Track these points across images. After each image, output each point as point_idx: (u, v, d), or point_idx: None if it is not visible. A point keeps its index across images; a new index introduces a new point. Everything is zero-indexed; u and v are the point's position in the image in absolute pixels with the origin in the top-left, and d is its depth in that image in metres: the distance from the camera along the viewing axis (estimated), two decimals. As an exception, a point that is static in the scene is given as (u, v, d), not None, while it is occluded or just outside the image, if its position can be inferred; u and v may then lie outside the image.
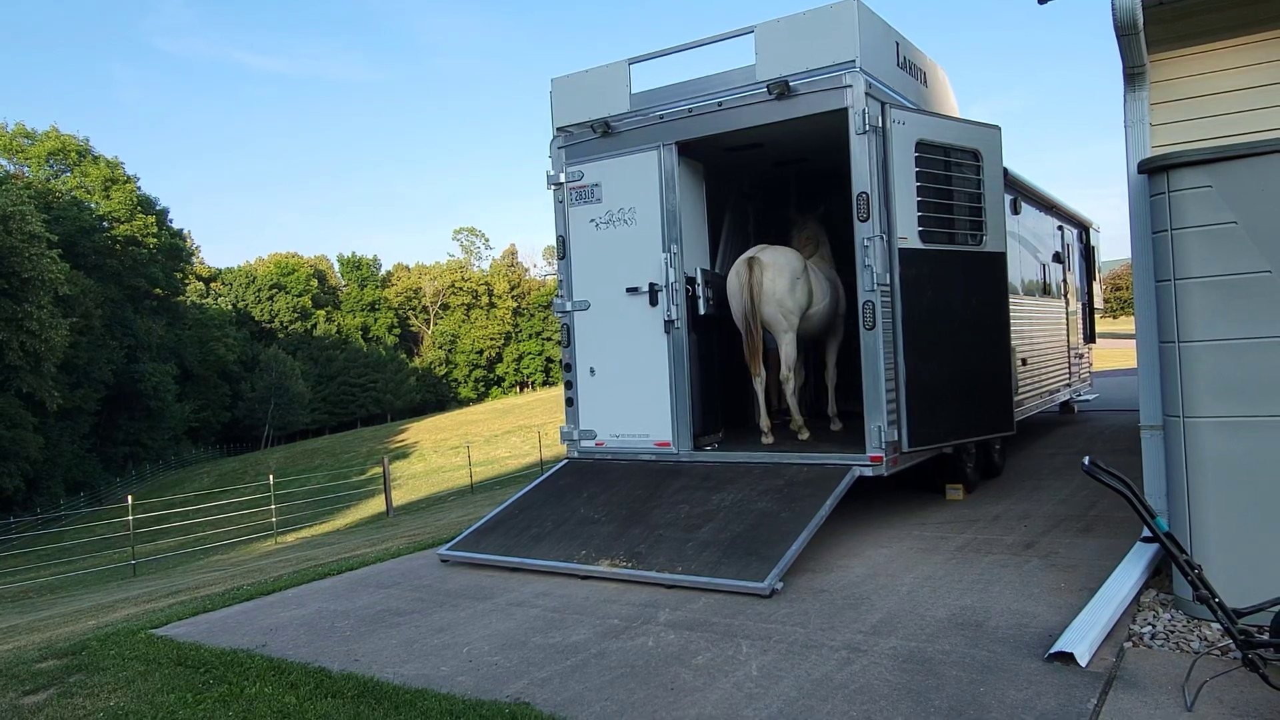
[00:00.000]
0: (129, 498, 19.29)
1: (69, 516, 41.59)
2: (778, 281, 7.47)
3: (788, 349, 7.64)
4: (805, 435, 7.74)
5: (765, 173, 9.69)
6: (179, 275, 66.62)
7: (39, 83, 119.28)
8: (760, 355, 7.60)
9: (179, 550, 23.08)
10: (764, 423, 7.79)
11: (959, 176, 7.10)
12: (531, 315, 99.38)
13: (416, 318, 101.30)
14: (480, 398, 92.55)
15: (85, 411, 50.76)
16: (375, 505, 26.47)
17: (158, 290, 61.61)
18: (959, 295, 7.03)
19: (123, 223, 57.14)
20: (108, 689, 4.58)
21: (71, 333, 44.75)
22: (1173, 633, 4.27)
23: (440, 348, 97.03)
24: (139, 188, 60.15)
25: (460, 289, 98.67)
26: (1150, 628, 4.35)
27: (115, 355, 53.01)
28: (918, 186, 6.67)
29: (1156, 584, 4.92)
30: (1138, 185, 4.88)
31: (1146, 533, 3.90)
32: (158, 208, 61.92)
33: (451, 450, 41.86)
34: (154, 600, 8.74)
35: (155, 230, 59.51)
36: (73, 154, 57.74)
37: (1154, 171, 4.38)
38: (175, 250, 64.67)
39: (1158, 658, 4.02)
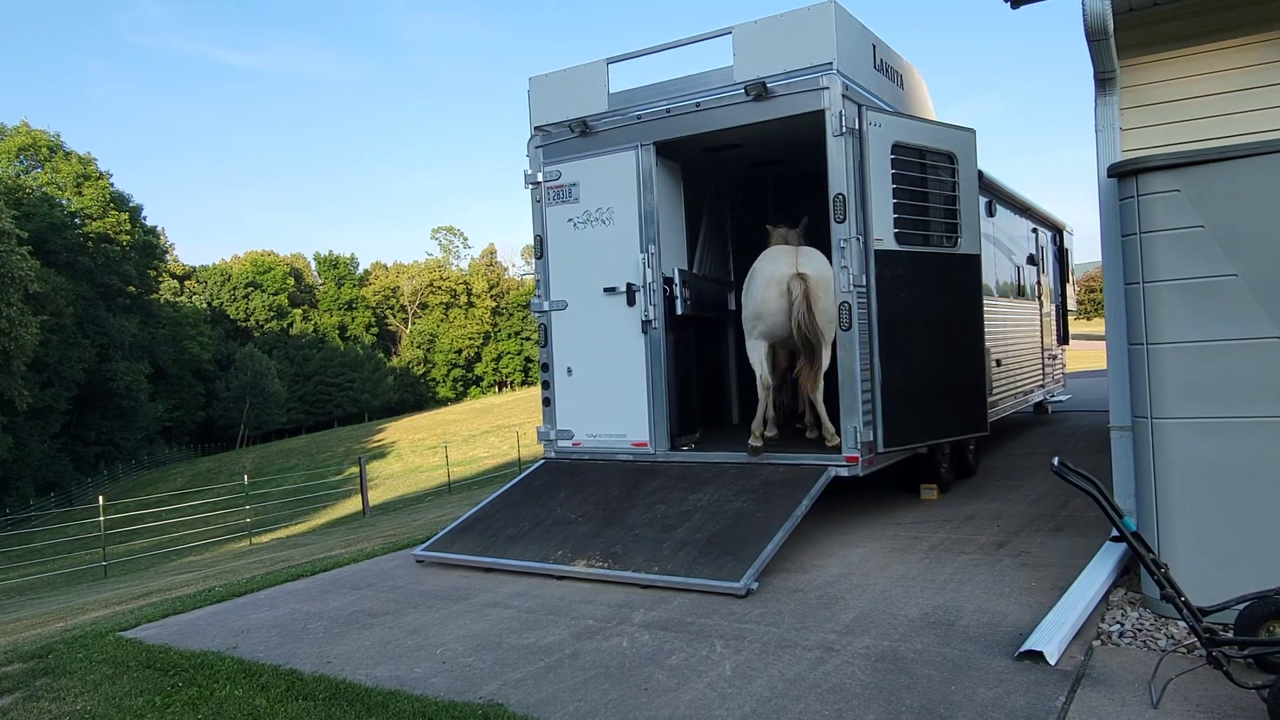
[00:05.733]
0: (100, 498, 19.04)
1: (39, 517, 41.02)
2: (827, 296, 7.02)
3: (825, 357, 7.18)
4: (835, 440, 7.04)
5: (743, 173, 9.72)
6: (152, 273, 65.80)
7: (8, 77, 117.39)
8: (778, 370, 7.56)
9: (152, 551, 22.82)
10: (758, 437, 7.16)
11: (934, 179, 7.15)
12: (510, 315, 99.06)
13: (394, 317, 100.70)
14: (459, 397, 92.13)
15: (56, 410, 50.02)
16: (351, 505, 26.30)
17: (130, 288, 60.81)
18: (934, 296, 7.08)
19: (95, 219, 56.34)
20: (74, 692, 4.52)
21: (42, 331, 44.06)
22: (1140, 631, 4.32)
23: (418, 347, 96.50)
24: (111, 184, 59.35)
25: (438, 288, 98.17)
26: (1119, 626, 4.40)
27: (87, 354, 52.28)
28: (893, 188, 6.71)
29: (1125, 583, 4.99)
30: (1108, 189, 4.93)
31: (1115, 532, 3.95)
32: (130, 204, 61.10)
33: (429, 450, 41.66)
34: (124, 602, 8.63)
35: (128, 227, 58.71)
36: (44, 150, 56.87)
37: (1123, 176, 4.43)
38: (148, 248, 63.86)
39: (1125, 655, 4.07)
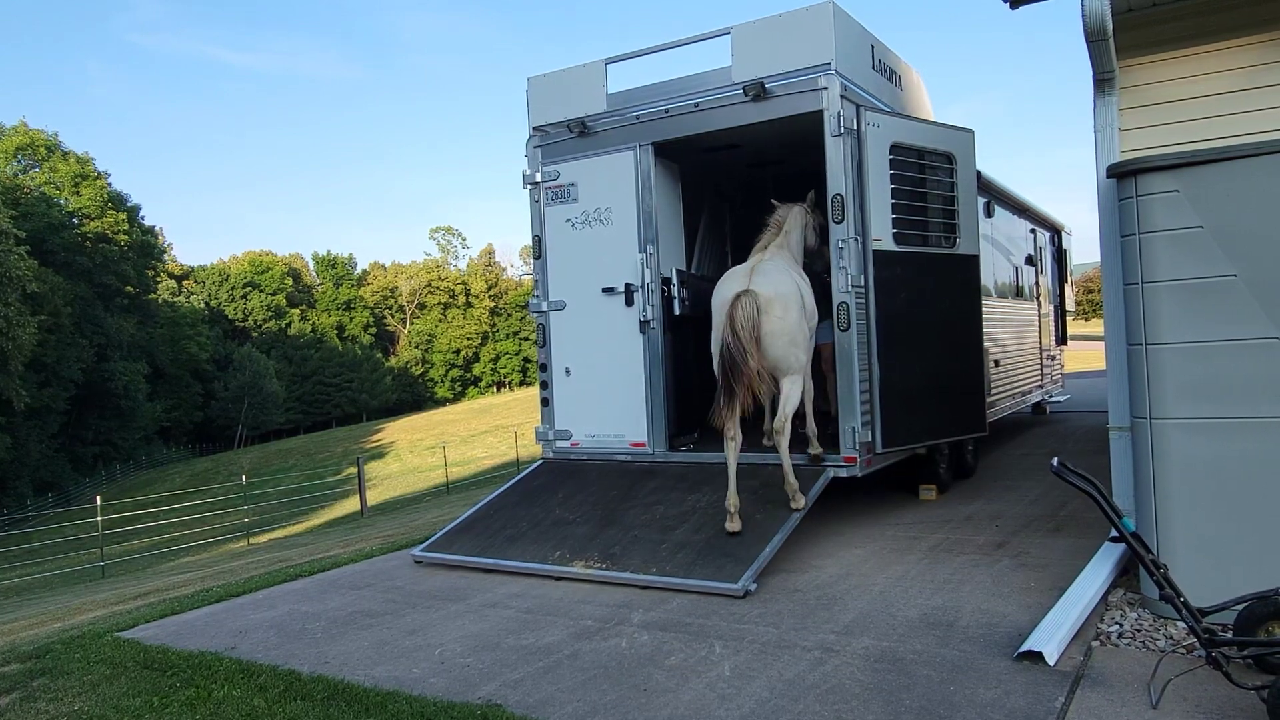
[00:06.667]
0: (98, 498, 19.01)
1: (37, 517, 40.94)
2: (788, 316, 6.16)
3: (793, 392, 6.25)
4: (799, 501, 6.14)
5: (742, 174, 9.71)
6: (150, 273, 65.74)
7: (6, 77, 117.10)
8: (739, 411, 6.09)
9: (149, 551, 22.80)
10: (733, 518, 5.97)
11: (933, 179, 7.15)
12: (508, 315, 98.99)
13: (393, 317, 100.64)
14: (457, 397, 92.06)
15: (54, 410, 49.94)
16: (350, 505, 26.27)
17: (129, 288, 60.73)
18: (932, 297, 7.08)
19: (93, 219, 56.29)
20: (72, 693, 4.51)
21: (40, 330, 44.00)
22: (1139, 631, 4.32)
23: (416, 347, 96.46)
24: (110, 184, 59.32)
25: (437, 288, 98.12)
26: (1118, 627, 4.40)
27: (85, 354, 52.21)
28: (892, 189, 6.71)
29: (1124, 583, 4.99)
30: (1107, 189, 4.93)
31: (1114, 533, 3.95)
32: (129, 204, 61.04)
33: (427, 450, 41.64)
34: (122, 602, 8.62)
35: (126, 227, 58.66)
36: (41, 149, 56.83)
37: (1122, 176, 4.43)
38: (147, 247, 63.80)
39: (1124, 656, 4.07)
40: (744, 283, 6.19)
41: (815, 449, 6.73)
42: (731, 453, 6.13)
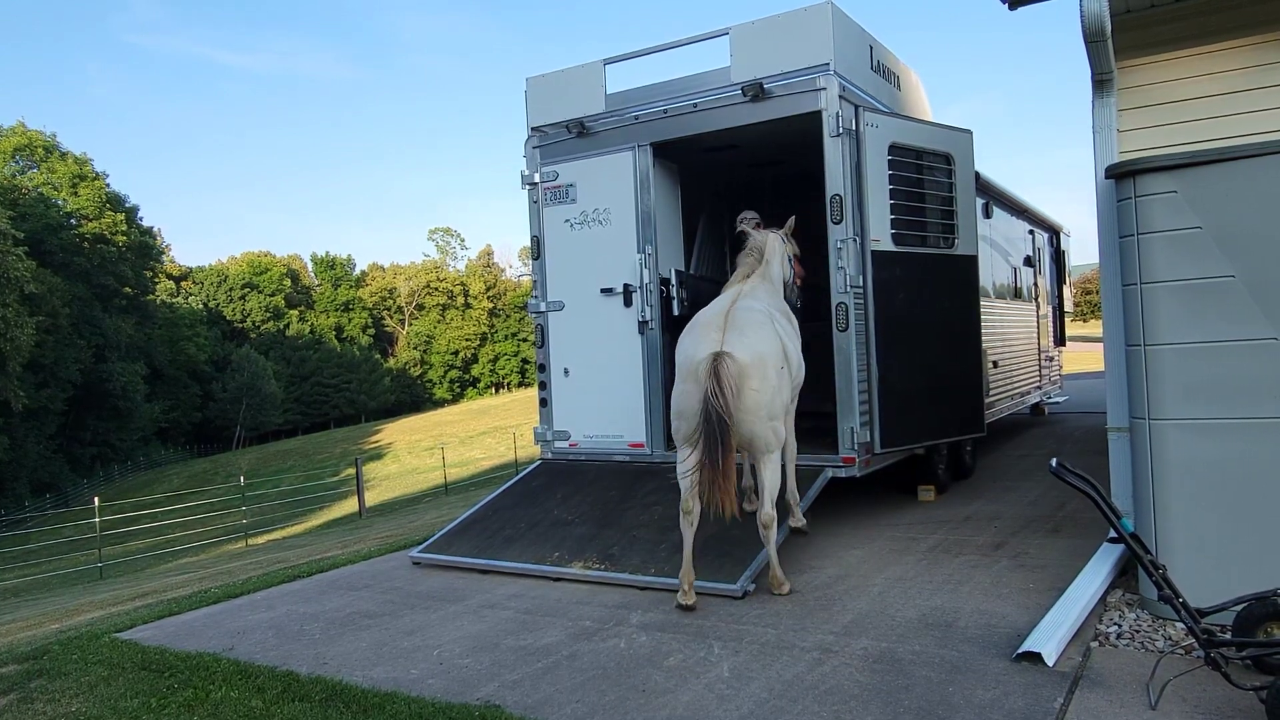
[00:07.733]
0: (96, 499, 18.99)
1: (35, 518, 40.88)
2: (765, 385, 5.23)
3: (773, 475, 5.31)
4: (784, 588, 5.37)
5: (741, 174, 9.71)
6: (149, 274, 65.65)
7: (5, 77, 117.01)
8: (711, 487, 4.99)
9: (148, 552, 22.76)
10: (686, 591, 5.19)
11: (931, 180, 7.16)
12: (507, 316, 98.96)
13: (391, 318, 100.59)
14: (455, 399, 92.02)
15: (52, 411, 49.87)
16: (348, 506, 26.25)
17: (127, 289, 60.66)
18: (931, 297, 7.08)
19: (91, 220, 56.23)
20: (69, 694, 4.50)
21: (38, 331, 43.94)
22: (1138, 632, 4.32)
23: (415, 348, 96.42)
24: (108, 185, 59.22)
25: (435, 289, 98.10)
26: (1116, 627, 4.40)
27: (83, 354, 52.15)
28: (890, 189, 6.71)
29: (1123, 584, 4.98)
30: (1105, 190, 4.93)
31: (1113, 533, 3.95)
32: (127, 205, 60.96)
33: (426, 451, 41.62)
34: (120, 603, 8.61)
35: (124, 228, 58.59)
36: (39, 150, 56.77)
37: (1121, 177, 4.43)
38: (145, 248, 63.73)
39: (1123, 657, 4.07)
40: (717, 340, 5.19)
41: (798, 520, 6.10)
42: (689, 530, 5.23)
